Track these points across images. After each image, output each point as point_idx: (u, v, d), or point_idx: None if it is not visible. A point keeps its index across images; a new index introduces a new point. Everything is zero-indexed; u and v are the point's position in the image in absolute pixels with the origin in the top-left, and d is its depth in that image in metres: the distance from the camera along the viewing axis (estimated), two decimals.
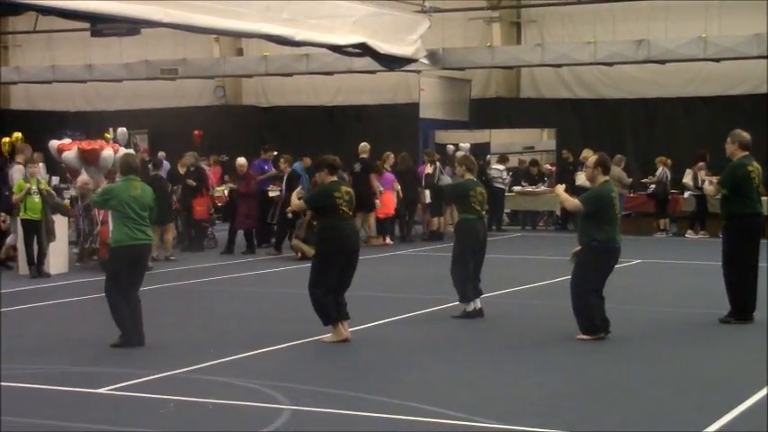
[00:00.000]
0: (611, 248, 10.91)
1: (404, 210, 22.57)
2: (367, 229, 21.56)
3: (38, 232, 16.46)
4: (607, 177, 11.10)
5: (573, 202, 11.00)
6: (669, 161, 23.84)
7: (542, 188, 25.31)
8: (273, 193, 20.03)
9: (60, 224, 17.22)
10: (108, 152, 17.42)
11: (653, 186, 23.87)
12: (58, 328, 12.01)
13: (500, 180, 24.68)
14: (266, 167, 21.38)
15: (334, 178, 11.02)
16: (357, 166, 21.48)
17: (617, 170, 23.26)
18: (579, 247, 11.00)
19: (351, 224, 11.14)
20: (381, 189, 21.78)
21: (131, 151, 18.30)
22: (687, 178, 23.26)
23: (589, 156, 22.02)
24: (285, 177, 19.96)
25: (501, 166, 25.00)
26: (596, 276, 10.90)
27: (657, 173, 23.77)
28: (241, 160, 20.70)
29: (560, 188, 11.73)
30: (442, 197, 21.44)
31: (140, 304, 10.73)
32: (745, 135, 11.99)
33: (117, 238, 10.61)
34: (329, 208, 10.76)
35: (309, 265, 11.19)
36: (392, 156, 22.32)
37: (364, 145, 21.95)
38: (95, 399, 8.56)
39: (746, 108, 24.87)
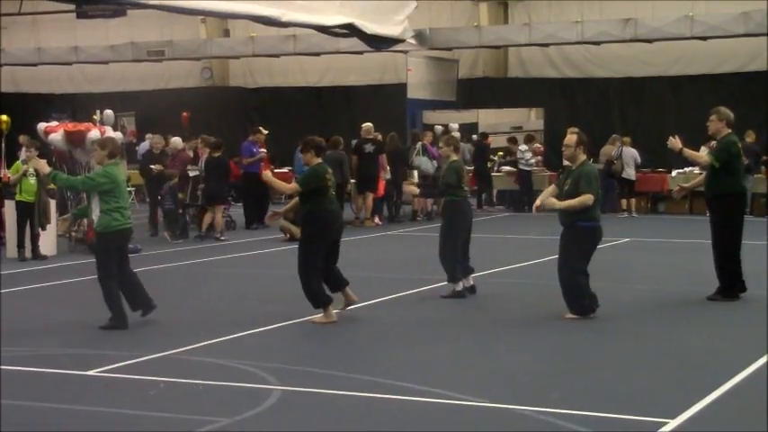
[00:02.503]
0: (597, 227, 10.93)
1: (392, 190, 22.58)
2: (365, 210, 21.60)
3: (31, 215, 16.48)
4: (585, 156, 11.09)
5: (584, 200, 10.69)
6: (628, 139, 23.71)
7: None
8: (193, 172, 19.89)
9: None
10: (95, 133, 17.39)
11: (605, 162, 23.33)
12: (48, 311, 12.01)
13: (524, 161, 24.57)
14: (255, 150, 21.37)
15: (320, 160, 11.04)
16: (369, 147, 21.46)
17: (612, 148, 23.31)
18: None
19: (337, 206, 11.25)
20: (388, 170, 21.82)
21: (119, 134, 18.30)
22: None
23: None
24: (203, 160, 19.76)
25: (525, 146, 24.89)
26: (583, 256, 10.91)
27: (613, 152, 23.56)
28: (156, 138, 20.72)
29: (554, 201, 10.97)
30: (434, 181, 21.53)
31: (136, 275, 10.92)
32: (730, 113, 12.02)
33: (107, 223, 10.54)
34: (320, 190, 10.78)
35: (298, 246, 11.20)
36: (380, 136, 22.30)
37: (370, 125, 21.87)
38: (85, 380, 8.57)
39: (733, 86, 24.88)
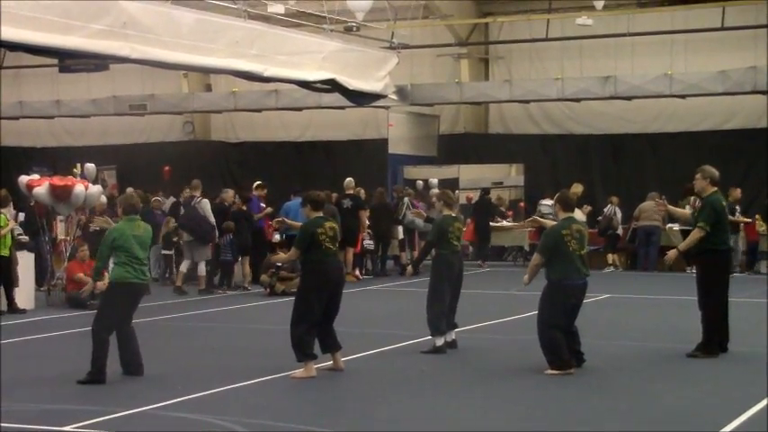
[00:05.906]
0: (566, 285, 10.93)
1: (375, 245, 22.58)
2: (346, 265, 21.55)
3: (8, 268, 16.34)
4: (569, 214, 11.16)
5: (532, 264, 11.13)
6: (616, 199, 23.91)
7: (505, 223, 25.31)
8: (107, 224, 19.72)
9: (26, 260, 17.12)
10: (80, 188, 17.37)
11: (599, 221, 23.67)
12: (24, 366, 11.86)
13: (551, 216, 24.43)
14: (261, 205, 21.49)
15: (320, 214, 11.10)
16: (347, 203, 21.52)
17: (652, 204, 23.46)
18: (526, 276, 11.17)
19: (334, 259, 11.26)
20: (368, 224, 21.87)
21: (99, 188, 18.28)
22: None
23: (578, 191, 22.32)
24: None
25: (550, 201, 24.90)
26: (556, 312, 10.94)
27: (605, 210, 23.80)
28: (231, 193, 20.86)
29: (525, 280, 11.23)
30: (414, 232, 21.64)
31: (134, 333, 10.90)
32: (715, 171, 12.10)
33: (120, 274, 10.65)
34: (313, 244, 10.85)
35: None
36: (363, 191, 22.36)
37: (350, 180, 22.04)
38: None
39: (712, 144, 25.09)
